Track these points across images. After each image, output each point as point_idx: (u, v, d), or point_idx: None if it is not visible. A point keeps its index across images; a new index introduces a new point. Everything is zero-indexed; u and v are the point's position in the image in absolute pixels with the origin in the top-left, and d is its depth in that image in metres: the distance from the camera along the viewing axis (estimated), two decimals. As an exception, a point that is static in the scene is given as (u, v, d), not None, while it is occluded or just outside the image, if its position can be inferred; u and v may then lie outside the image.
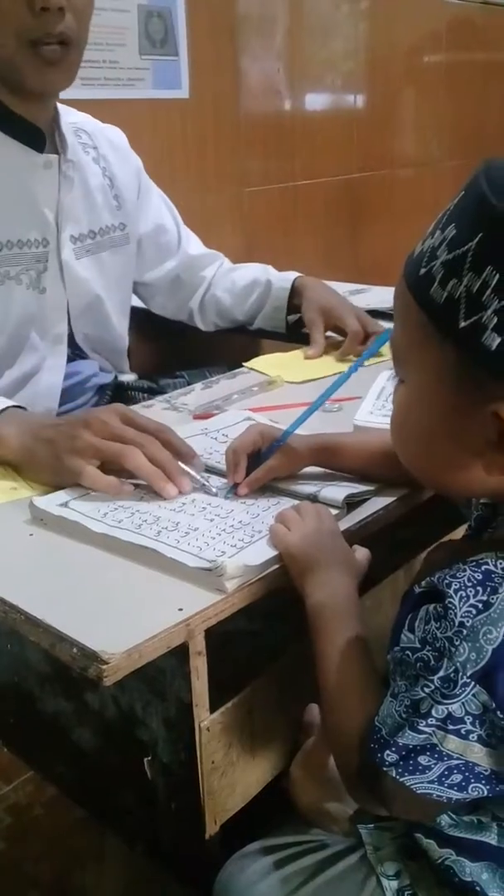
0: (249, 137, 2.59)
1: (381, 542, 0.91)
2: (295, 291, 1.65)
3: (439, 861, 0.73)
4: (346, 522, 0.92)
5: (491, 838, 0.71)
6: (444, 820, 0.72)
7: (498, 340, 0.56)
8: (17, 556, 0.89)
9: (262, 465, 0.95)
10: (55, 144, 1.39)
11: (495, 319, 0.56)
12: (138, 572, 0.83)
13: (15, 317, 1.36)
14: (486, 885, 0.71)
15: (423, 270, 0.60)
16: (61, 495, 0.96)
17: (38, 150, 1.34)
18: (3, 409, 1.07)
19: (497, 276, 0.56)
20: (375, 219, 3.03)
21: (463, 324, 0.57)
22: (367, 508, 0.94)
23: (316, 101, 2.87)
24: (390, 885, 0.76)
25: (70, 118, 1.44)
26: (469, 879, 0.71)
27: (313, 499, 0.94)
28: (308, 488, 0.96)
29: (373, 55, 3.01)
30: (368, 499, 0.95)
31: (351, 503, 0.94)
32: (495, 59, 3.51)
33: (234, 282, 1.71)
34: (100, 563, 0.86)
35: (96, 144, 1.50)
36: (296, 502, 0.93)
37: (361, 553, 0.86)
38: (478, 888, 0.71)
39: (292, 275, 1.68)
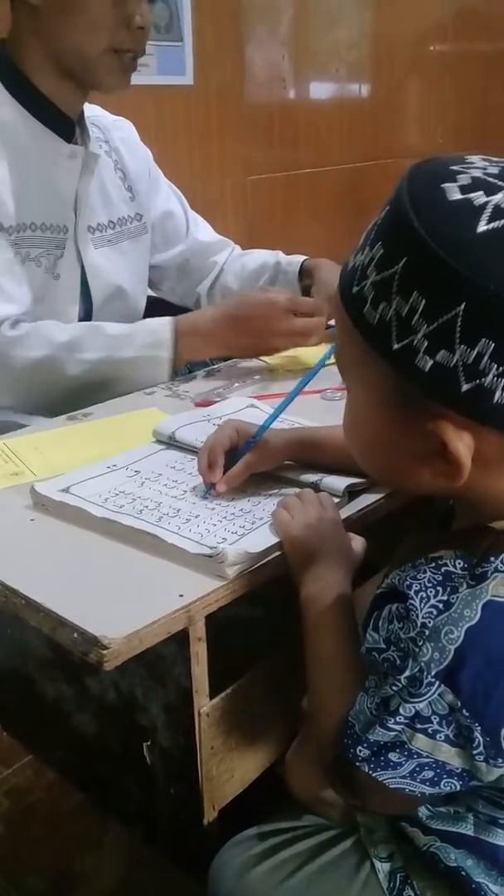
0: (253, 125, 2.58)
1: (382, 530, 0.91)
2: (305, 273, 1.64)
3: (425, 848, 0.74)
4: (348, 511, 0.92)
5: (467, 829, 0.72)
6: (423, 811, 0.73)
7: (430, 363, 0.55)
8: (18, 541, 0.89)
9: (240, 461, 0.94)
10: (80, 137, 1.44)
11: (426, 343, 0.55)
12: (139, 558, 0.84)
13: (30, 298, 1.38)
14: (472, 870, 0.72)
15: (355, 289, 0.60)
16: (62, 480, 0.96)
17: (66, 140, 1.40)
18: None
19: (423, 300, 0.55)
20: (379, 208, 3.01)
21: (396, 346, 0.57)
22: (369, 497, 0.95)
23: (320, 90, 2.86)
24: (383, 867, 0.77)
25: (87, 111, 1.48)
26: (454, 865, 0.72)
27: (315, 487, 0.94)
28: (310, 477, 0.96)
29: (378, 44, 3.00)
30: (370, 487, 0.95)
31: (352, 491, 0.94)
32: (500, 48, 3.48)
33: (243, 266, 1.72)
34: (101, 548, 0.86)
35: (108, 138, 1.54)
36: (297, 490, 0.93)
37: (357, 542, 0.87)
38: (463, 873, 0.72)
39: (302, 257, 1.68)
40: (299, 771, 0.90)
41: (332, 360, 1.35)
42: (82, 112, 1.45)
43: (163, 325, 1.35)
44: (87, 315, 1.52)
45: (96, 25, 1.28)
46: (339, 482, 0.94)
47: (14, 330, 1.29)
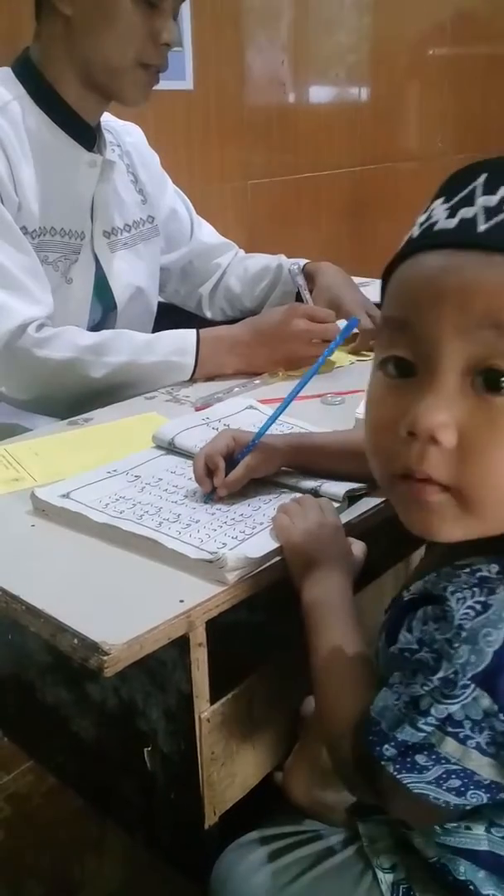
0: (253, 130, 2.59)
1: (381, 535, 0.91)
2: (307, 277, 1.64)
3: (434, 860, 0.72)
4: (347, 516, 0.92)
5: (480, 846, 0.69)
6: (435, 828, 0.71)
7: None
8: (18, 546, 0.89)
9: (240, 464, 0.94)
10: (98, 144, 1.48)
11: None
12: (139, 564, 0.84)
13: (52, 302, 1.40)
14: (481, 883, 0.70)
15: (494, 220, 0.55)
16: (63, 486, 0.96)
17: (87, 149, 1.43)
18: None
19: None
20: (378, 212, 3.02)
21: None
22: (369, 501, 0.94)
23: (320, 94, 2.86)
24: (386, 879, 0.75)
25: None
26: (464, 878, 0.70)
27: (315, 493, 0.94)
28: (309, 482, 0.96)
29: (377, 48, 3.00)
30: (370, 492, 0.95)
31: (352, 496, 0.94)
32: (500, 52, 3.49)
33: (246, 269, 1.73)
34: (101, 554, 0.86)
35: (119, 142, 1.57)
36: (297, 496, 0.93)
37: (358, 547, 0.86)
38: (472, 887, 0.70)
39: (304, 261, 1.69)
40: (298, 776, 0.89)
41: (326, 366, 1.38)
42: (100, 120, 1.48)
43: (187, 333, 1.39)
44: (105, 317, 1.55)
45: (126, 39, 1.32)
46: (339, 487, 0.94)
47: (39, 332, 1.31)
